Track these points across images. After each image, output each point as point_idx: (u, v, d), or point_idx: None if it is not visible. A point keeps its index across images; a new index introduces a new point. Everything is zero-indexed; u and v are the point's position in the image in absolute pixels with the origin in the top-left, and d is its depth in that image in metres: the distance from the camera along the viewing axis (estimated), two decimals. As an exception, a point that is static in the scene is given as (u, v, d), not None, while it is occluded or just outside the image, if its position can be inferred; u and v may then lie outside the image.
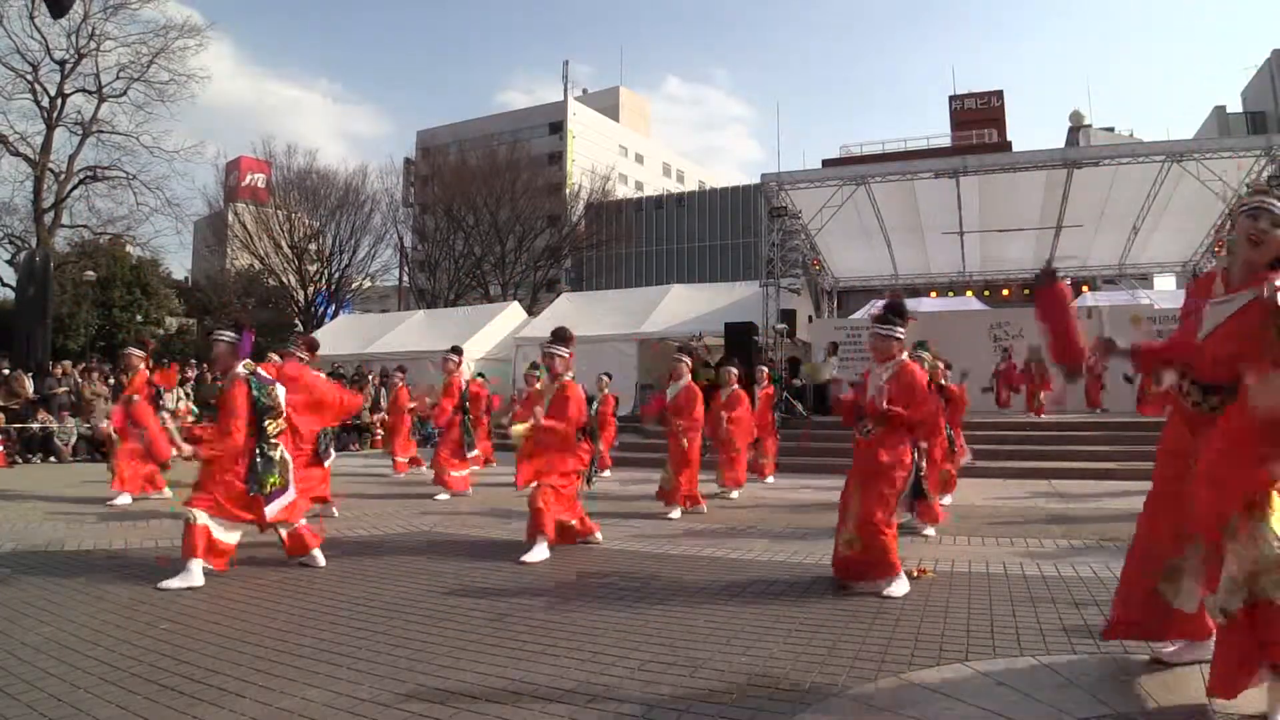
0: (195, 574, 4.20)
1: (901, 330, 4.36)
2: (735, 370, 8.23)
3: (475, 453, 9.03)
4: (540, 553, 4.94)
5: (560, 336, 5.44)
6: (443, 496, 8.26)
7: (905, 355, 4.37)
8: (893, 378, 4.24)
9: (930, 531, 5.75)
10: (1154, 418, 8.32)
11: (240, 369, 4.57)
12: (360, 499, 8.23)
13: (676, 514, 6.91)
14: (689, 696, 2.56)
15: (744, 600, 3.88)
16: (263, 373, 4.75)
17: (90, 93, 24.13)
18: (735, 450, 8.16)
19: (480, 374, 13.16)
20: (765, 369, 10.61)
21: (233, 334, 4.65)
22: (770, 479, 9.63)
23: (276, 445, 4.57)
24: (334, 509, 6.71)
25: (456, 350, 9.26)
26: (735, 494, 8.22)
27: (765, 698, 2.54)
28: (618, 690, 2.63)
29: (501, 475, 9.42)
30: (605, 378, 10.82)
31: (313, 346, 6.91)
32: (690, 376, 7.46)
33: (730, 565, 4.81)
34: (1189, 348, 2.65)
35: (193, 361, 16.82)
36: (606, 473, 10.66)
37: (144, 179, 24.78)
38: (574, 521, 5.37)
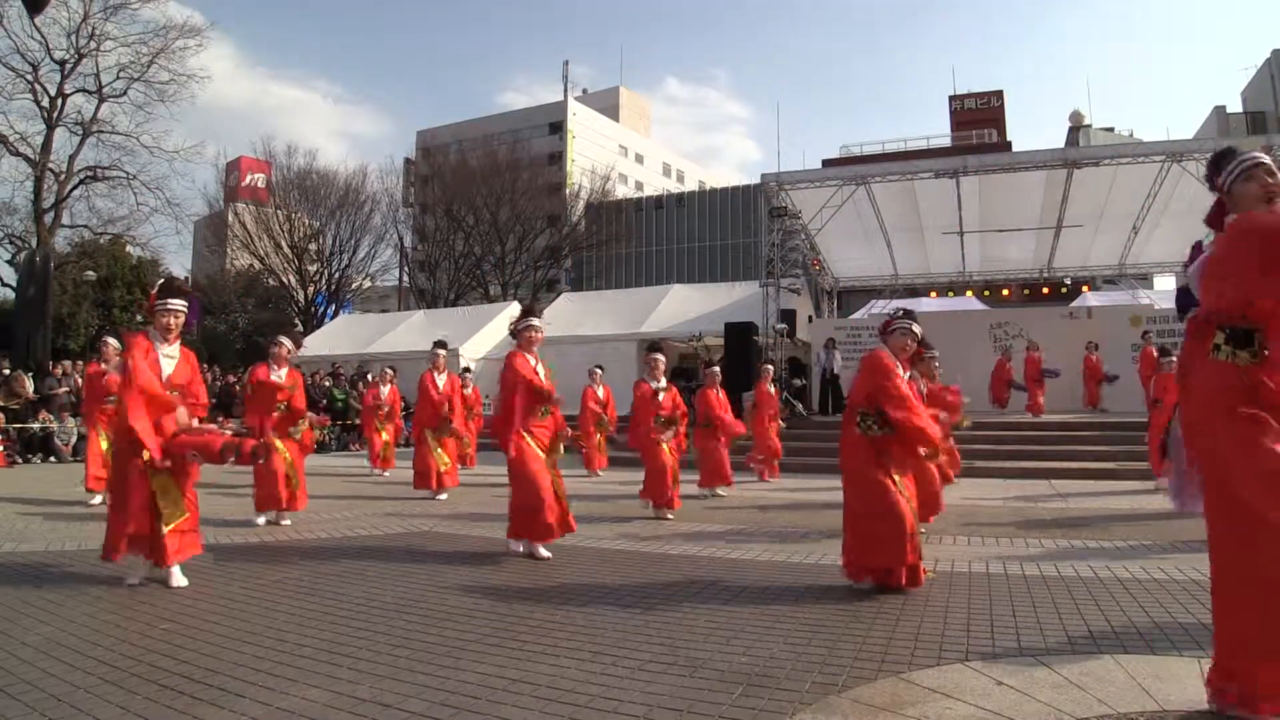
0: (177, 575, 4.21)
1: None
2: (716, 371, 8.48)
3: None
4: (541, 552, 4.95)
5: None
6: (444, 496, 8.27)
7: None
8: (915, 378, 4.22)
9: (923, 528, 5.76)
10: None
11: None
12: (360, 499, 8.24)
13: (672, 514, 6.90)
14: (689, 696, 2.56)
15: (744, 600, 3.88)
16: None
17: (90, 93, 24.16)
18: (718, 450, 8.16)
19: (466, 369, 13.20)
20: (769, 367, 10.60)
21: (183, 302, 4.34)
22: (770, 480, 9.62)
23: None
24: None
25: (441, 344, 9.06)
26: (723, 491, 8.22)
27: (765, 698, 2.54)
28: (618, 690, 2.63)
29: (499, 475, 9.39)
30: (598, 370, 10.80)
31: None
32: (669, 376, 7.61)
33: (730, 565, 4.81)
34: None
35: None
36: (600, 473, 10.64)
37: (144, 179, 24.77)
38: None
